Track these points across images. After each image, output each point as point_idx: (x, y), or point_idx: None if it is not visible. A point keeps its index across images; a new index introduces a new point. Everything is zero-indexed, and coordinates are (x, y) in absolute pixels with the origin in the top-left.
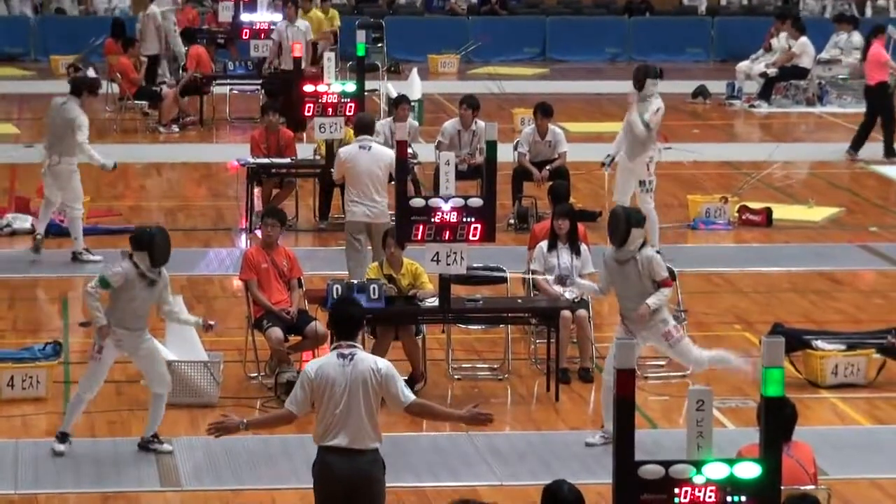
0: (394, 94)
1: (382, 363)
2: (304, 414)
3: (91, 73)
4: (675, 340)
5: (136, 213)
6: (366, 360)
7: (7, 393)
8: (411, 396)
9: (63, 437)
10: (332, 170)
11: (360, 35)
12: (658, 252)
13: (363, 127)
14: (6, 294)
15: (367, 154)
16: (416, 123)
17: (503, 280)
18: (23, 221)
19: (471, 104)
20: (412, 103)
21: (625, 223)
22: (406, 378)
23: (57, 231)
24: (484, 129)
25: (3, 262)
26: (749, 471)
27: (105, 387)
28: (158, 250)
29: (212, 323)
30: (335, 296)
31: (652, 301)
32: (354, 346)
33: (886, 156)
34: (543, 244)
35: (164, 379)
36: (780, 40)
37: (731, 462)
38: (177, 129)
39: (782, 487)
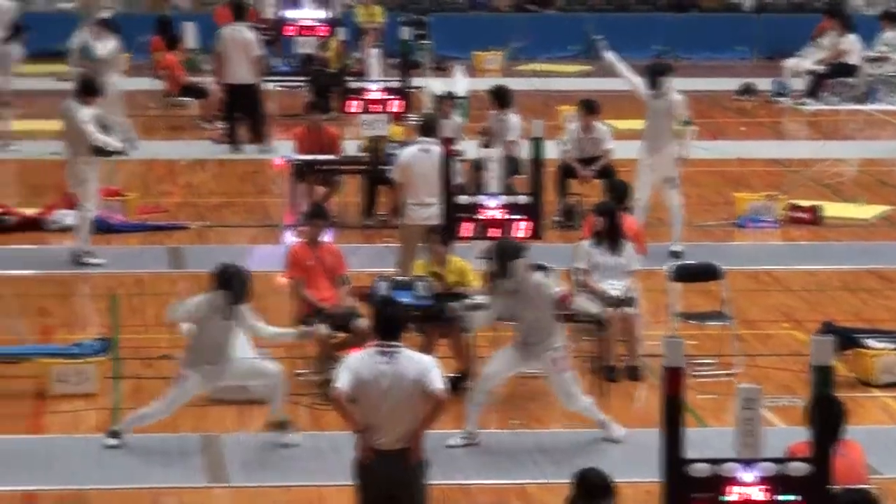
0: (439, 92)
1: (429, 359)
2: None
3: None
4: (562, 369)
5: (182, 209)
6: (412, 357)
7: (58, 388)
8: (436, 386)
9: (115, 434)
10: (392, 170)
11: (405, 32)
12: (679, 251)
13: (427, 129)
14: (56, 290)
15: (428, 157)
16: (461, 120)
17: None
18: (72, 218)
19: (495, 94)
20: (457, 100)
21: (498, 258)
22: (454, 375)
23: (105, 227)
24: (512, 123)
25: (52, 258)
26: (799, 469)
27: (152, 383)
28: (238, 289)
29: (309, 329)
30: (381, 293)
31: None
32: (397, 345)
33: None
34: (587, 242)
35: (270, 372)
36: (828, 38)
37: (780, 461)
38: (222, 126)
39: (836, 487)
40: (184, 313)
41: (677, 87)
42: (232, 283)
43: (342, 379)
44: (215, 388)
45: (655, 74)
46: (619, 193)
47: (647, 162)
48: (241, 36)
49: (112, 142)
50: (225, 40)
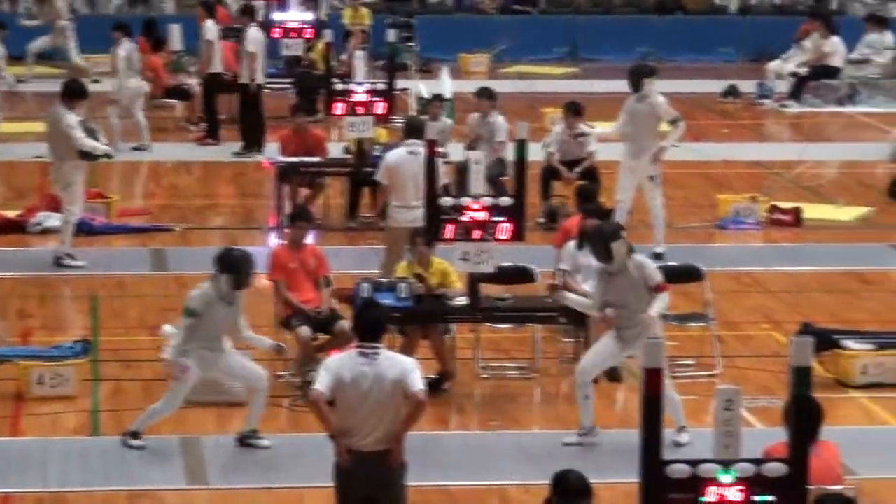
0: (424, 94)
1: (409, 361)
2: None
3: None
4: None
5: (166, 211)
6: (393, 358)
7: (36, 391)
8: (417, 387)
9: (135, 435)
10: (378, 172)
11: (391, 34)
12: (661, 253)
13: (413, 130)
14: (36, 292)
15: (416, 160)
16: (451, 122)
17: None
18: (54, 220)
19: (486, 94)
20: (444, 102)
21: (602, 241)
22: (436, 376)
23: (88, 229)
24: (499, 125)
25: (33, 260)
26: (776, 470)
27: (132, 385)
28: (242, 274)
29: (281, 345)
30: (364, 295)
31: (654, 311)
32: (377, 346)
33: None
34: (572, 243)
35: (258, 374)
36: (812, 40)
37: (758, 461)
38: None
39: (812, 487)
40: (198, 306)
41: (662, 89)
42: (237, 267)
43: (321, 381)
44: (214, 371)
45: (638, 77)
46: (587, 197)
47: (630, 165)
48: (261, 37)
49: (98, 146)
50: (253, 40)
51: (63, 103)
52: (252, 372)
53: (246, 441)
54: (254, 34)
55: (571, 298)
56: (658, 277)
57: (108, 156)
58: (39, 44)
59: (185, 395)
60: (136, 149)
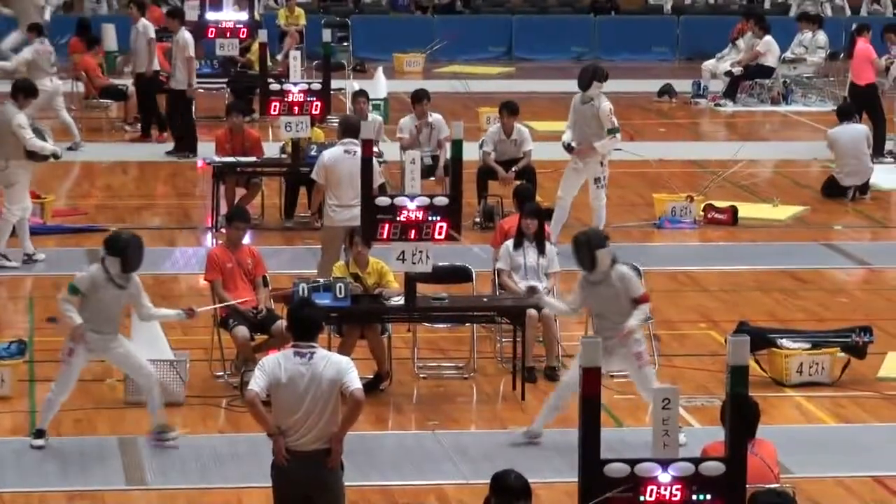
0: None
1: (346, 360)
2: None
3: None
4: (644, 363)
5: (101, 211)
6: (329, 357)
7: None
8: (354, 387)
9: (40, 434)
10: (315, 171)
11: (326, 34)
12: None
13: (349, 130)
14: None
15: (352, 159)
16: (381, 119)
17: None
18: None
19: (426, 96)
20: (377, 102)
21: (587, 248)
22: (372, 376)
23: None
24: (440, 122)
25: None
26: (714, 469)
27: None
28: (131, 257)
29: (193, 307)
30: (301, 295)
31: (633, 322)
32: (313, 346)
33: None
34: (509, 243)
35: (146, 371)
36: (746, 39)
37: (696, 460)
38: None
39: (748, 486)
40: (83, 286)
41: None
42: (126, 251)
43: (257, 381)
44: (104, 356)
45: (589, 78)
46: (526, 197)
47: (575, 165)
48: (191, 39)
49: (46, 146)
50: (189, 44)
51: (13, 102)
52: (139, 367)
53: (157, 437)
54: (187, 37)
55: (551, 303)
56: (641, 289)
57: (55, 156)
58: (14, 38)
59: (75, 378)
60: (69, 149)
